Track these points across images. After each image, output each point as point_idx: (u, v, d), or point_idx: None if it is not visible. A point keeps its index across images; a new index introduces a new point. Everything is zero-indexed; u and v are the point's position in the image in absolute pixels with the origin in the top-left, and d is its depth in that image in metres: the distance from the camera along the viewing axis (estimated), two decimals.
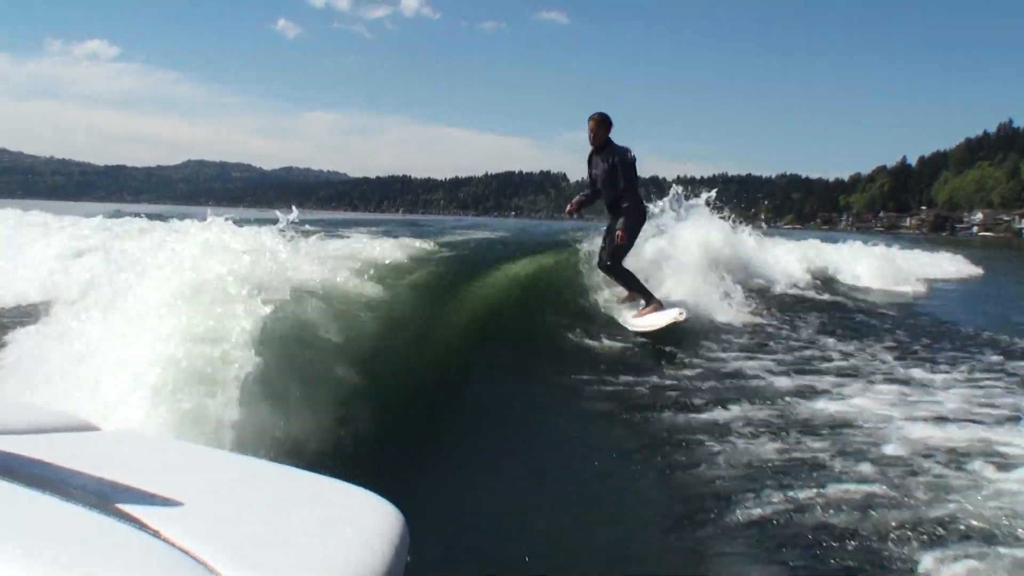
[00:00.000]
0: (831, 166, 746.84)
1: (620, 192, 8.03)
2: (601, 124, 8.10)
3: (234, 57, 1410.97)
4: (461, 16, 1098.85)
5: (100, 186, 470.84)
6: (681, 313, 7.66)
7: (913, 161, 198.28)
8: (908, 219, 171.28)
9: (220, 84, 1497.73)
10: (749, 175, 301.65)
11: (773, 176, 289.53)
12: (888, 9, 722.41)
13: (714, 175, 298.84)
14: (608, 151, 8.08)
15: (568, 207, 8.85)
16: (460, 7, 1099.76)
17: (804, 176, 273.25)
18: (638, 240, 8.57)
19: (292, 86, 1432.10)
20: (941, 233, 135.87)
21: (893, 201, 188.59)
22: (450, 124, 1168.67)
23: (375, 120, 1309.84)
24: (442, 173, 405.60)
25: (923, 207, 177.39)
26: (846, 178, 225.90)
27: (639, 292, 8.26)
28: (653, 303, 8.05)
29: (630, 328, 7.92)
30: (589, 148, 8.35)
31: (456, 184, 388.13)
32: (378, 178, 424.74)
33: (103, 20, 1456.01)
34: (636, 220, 8.23)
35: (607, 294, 8.96)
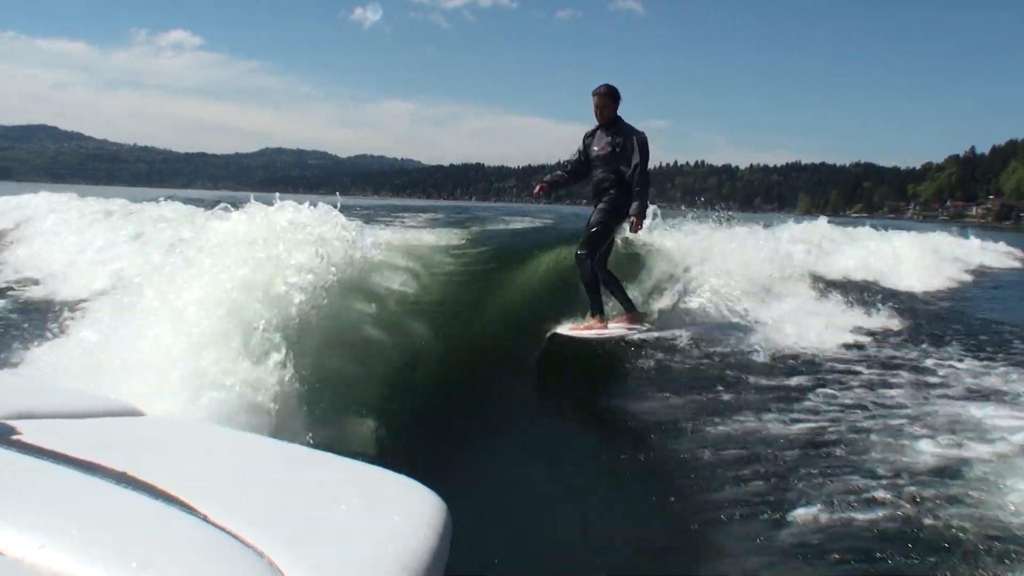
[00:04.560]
0: (908, 154, 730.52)
1: (631, 170, 6.86)
2: (610, 97, 7.05)
3: (312, 46, 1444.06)
4: (537, 5, 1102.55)
5: (182, 173, 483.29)
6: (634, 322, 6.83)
7: (986, 150, 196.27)
8: (974, 208, 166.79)
9: (298, 73, 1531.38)
10: (823, 163, 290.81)
11: (848, 164, 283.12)
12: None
13: (787, 163, 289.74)
14: (619, 127, 7.05)
15: (537, 186, 7.62)
16: None
17: (879, 165, 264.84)
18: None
19: (368, 75, 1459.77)
20: (1005, 222, 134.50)
21: (961, 190, 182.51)
22: (525, 113, 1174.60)
23: (449, 109, 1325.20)
24: (515, 161, 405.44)
25: (991, 196, 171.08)
26: (918, 167, 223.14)
27: (618, 298, 7.15)
28: (602, 318, 6.94)
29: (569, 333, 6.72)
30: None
31: (529, 172, 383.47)
32: (452, 166, 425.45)
33: (187, 10, 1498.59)
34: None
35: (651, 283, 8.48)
